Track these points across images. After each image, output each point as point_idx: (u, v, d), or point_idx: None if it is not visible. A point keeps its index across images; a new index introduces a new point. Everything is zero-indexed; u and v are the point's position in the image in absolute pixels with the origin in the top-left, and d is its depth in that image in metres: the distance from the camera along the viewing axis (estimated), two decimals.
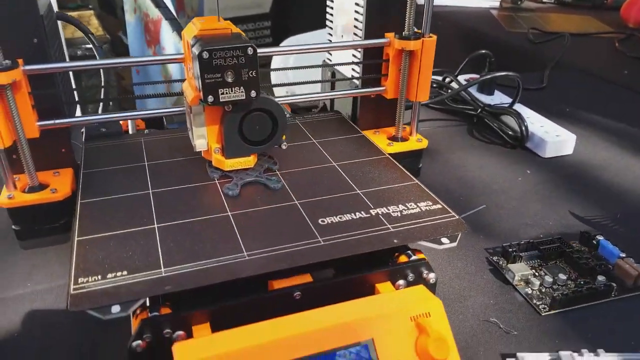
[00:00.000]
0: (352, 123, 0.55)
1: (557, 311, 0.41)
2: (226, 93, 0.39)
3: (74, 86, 0.57)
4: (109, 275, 0.32)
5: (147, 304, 0.31)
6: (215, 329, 0.30)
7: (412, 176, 0.44)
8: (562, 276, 0.43)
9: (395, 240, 0.36)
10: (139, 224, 0.37)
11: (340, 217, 0.38)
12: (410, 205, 0.40)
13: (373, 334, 0.29)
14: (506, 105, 0.74)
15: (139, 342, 0.29)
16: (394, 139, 0.55)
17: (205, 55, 0.38)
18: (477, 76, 0.79)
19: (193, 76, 0.41)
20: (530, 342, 0.38)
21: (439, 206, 0.40)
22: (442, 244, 0.36)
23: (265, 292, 0.33)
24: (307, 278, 0.34)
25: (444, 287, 0.43)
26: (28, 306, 0.40)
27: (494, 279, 0.44)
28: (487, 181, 0.60)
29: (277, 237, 0.36)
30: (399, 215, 0.39)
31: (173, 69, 1.61)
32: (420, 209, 0.39)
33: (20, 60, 0.40)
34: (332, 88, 0.60)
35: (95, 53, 0.57)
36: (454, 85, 0.78)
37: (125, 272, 0.32)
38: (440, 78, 0.80)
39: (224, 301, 0.32)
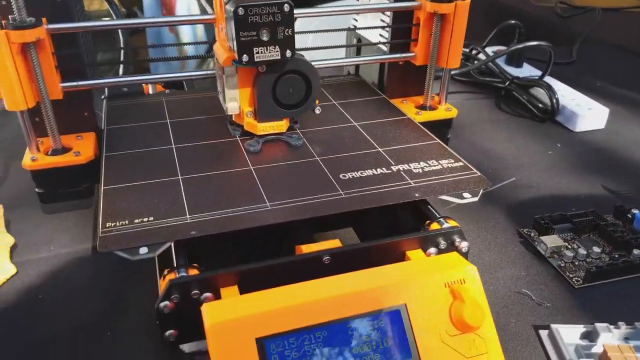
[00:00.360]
0: (372, 86, 0.55)
1: (591, 284, 0.39)
2: (261, 52, 0.38)
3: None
4: (136, 220, 0.33)
5: (175, 264, 0.31)
6: (243, 291, 0.30)
7: (433, 135, 0.44)
8: (596, 249, 0.42)
9: (416, 194, 0.36)
10: (163, 175, 0.38)
11: (361, 173, 0.38)
12: (432, 163, 0.40)
13: (406, 299, 0.28)
14: (536, 77, 0.71)
15: (167, 302, 0.29)
16: (422, 107, 0.54)
17: (241, 11, 0.37)
18: (505, 48, 0.77)
19: (225, 36, 0.40)
20: (563, 314, 0.37)
21: (460, 164, 0.40)
22: (463, 198, 0.36)
23: (294, 255, 0.32)
24: (336, 243, 0.33)
25: (473, 258, 0.42)
26: (51, 269, 0.40)
27: (525, 251, 0.43)
28: (516, 154, 0.58)
29: (299, 190, 0.36)
30: (421, 171, 0.39)
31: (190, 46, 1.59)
32: (442, 165, 0.40)
33: (44, 19, 0.39)
34: (358, 54, 0.58)
35: (113, 14, 0.55)
36: (481, 57, 0.76)
37: (152, 218, 0.33)
38: (467, 50, 0.78)
39: (253, 263, 0.31)
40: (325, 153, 0.41)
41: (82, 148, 0.44)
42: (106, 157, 0.40)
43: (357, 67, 0.59)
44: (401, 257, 0.34)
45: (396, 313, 0.28)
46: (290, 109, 0.42)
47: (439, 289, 0.29)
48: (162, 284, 0.30)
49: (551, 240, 0.43)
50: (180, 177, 0.38)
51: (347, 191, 0.36)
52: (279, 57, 0.38)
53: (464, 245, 0.35)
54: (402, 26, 0.51)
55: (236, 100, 0.41)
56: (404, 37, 0.52)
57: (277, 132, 0.43)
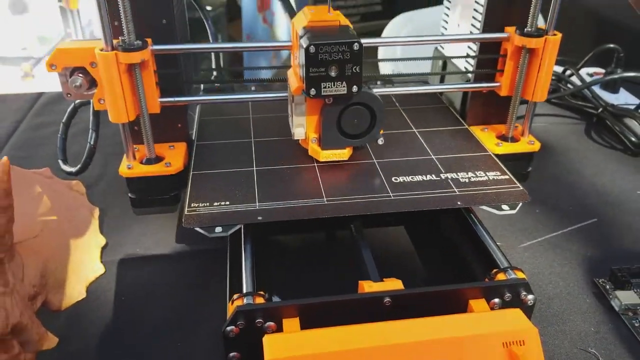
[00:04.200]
0: (438, 96, 0.58)
1: None
2: (328, 87, 0.40)
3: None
4: (215, 203, 0.39)
5: (244, 290, 0.33)
6: (303, 323, 0.31)
7: (485, 147, 0.48)
8: None
9: (458, 202, 0.39)
10: (241, 165, 0.44)
11: (412, 178, 0.42)
12: (479, 174, 0.43)
13: (462, 355, 0.29)
14: (632, 107, 0.67)
15: (233, 327, 0.31)
16: (503, 138, 0.52)
17: (312, 49, 0.38)
18: (602, 70, 0.73)
19: (298, 65, 0.41)
20: None
21: (506, 177, 0.43)
22: (502, 210, 0.39)
23: (356, 294, 0.33)
24: (398, 284, 0.34)
25: (541, 306, 0.41)
26: (135, 272, 0.44)
27: (597, 304, 0.42)
28: (601, 191, 0.56)
29: (353, 189, 0.41)
30: (467, 181, 0.42)
31: (282, 37, 1.63)
32: (488, 177, 0.43)
33: (149, 40, 0.43)
34: (442, 79, 0.58)
35: (210, 34, 0.58)
36: (574, 79, 0.72)
37: (227, 202, 0.39)
38: (560, 69, 0.74)
39: (314, 298, 0.33)
40: (382, 156, 0.45)
41: (173, 159, 0.47)
42: (197, 146, 0.47)
43: (440, 93, 0.59)
44: (464, 305, 0.34)
45: None
46: (354, 138, 0.44)
47: (497, 348, 0.29)
48: (230, 309, 0.32)
49: (626, 296, 0.41)
50: (255, 169, 0.43)
51: (396, 193, 0.40)
52: (345, 92, 0.40)
53: (530, 298, 0.34)
54: (489, 57, 0.50)
55: (303, 127, 0.43)
56: (489, 66, 0.51)
57: (339, 159, 0.44)
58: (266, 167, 0.44)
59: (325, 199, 0.40)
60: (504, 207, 0.39)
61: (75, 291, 0.40)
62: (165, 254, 0.46)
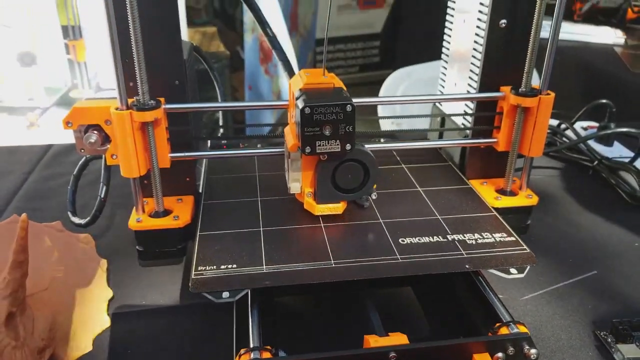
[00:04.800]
0: (438, 151, 0.58)
1: None
2: (323, 145, 0.41)
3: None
4: (222, 267, 0.39)
5: (251, 345, 0.34)
6: None
7: (490, 207, 0.48)
8: None
9: (467, 266, 0.39)
10: (248, 226, 0.44)
11: (419, 239, 0.42)
12: (486, 235, 0.43)
13: None
14: (626, 159, 0.69)
15: None
16: (502, 191, 0.54)
17: (307, 110, 0.40)
18: (596, 124, 0.75)
19: (295, 123, 0.43)
20: None
21: (512, 238, 0.42)
22: (510, 273, 0.40)
23: (362, 349, 0.34)
24: (403, 339, 0.35)
25: (544, 359, 0.42)
26: (141, 325, 0.45)
27: (600, 358, 0.42)
28: (601, 243, 0.57)
29: (361, 251, 0.41)
30: (474, 243, 0.42)
31: (283, 87, 1.68)
32: (495, 239, 0.42)
33: (162, 99, 0.45)
34: (440, 135, 0.60)
35: (217, 90, 0.61)
36: (569, 132, 0.75)
37: (234, 265, 0.39)
38: (555, 123, 0.77)
39: (321, 353, 0.33)
40: (388, 216, 0.45)
41: (181, 212, 0.48)
42: (203, 205, 0.47)
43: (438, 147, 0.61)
44: (468, 359, 0.34)
45: None
46: (348, 193, 0.45)
47: None
48: None
49: (629, 350, 0.41)
50: (261, 229, 0.44)
51: (404, 256, 0.40)
52: (339, 150, 0.42)
53: (532, 352, 0.35)
54: (486, 114, 0.53)
55: (299, 181, 0.45)
56: (486, 123, 0.53)
57: (333, 213, 0.45)
58: (273, 227, 0.44)
59: (332, 261, 0.39)
60: (512, 270, 0.40)
61: (82, 344, 0.41)
62: (171, 305, 0.46)
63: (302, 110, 0.40)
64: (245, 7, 0.49)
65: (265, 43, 1.58)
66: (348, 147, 0.42)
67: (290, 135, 0.45)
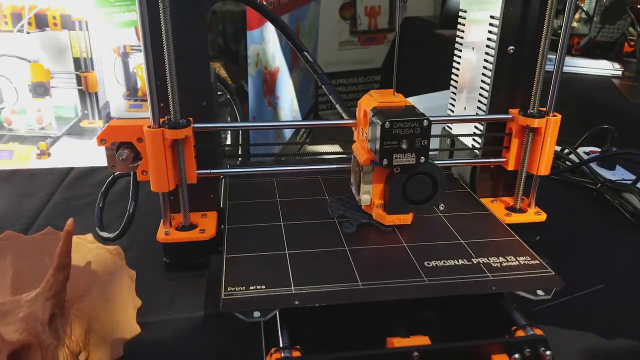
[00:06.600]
0: (457, 179, 0.60)
1: None
2: (399, 158, 0.44)
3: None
4: (251, 287, 0.40)
5: (281, 344, 0.36)
6: None
7: (513, 232, 0.48)
8: None
9: (493, 287, 0.40)
10: (273, 249, 0.45)
11: (444, 262, 0.44)
12: (510, 258, 0.44)
13: None
14: (628, 182, 0.72)
15: None
16: (512, 209, 0.56)
17: (387, 125, 0.43)
18: (598, 149, 0.78)
19: (365, 139, 0.46)
20: None
21: (537, 262, 0.44)
22: (537, 295, 0.40)
23: (386, 349, 0.36)
24: (425, 340, 0.36)
25: None
26: (168, 334, 0.46)
27: None
28: (606, 261, 0.59)
29: (387, 273, 0.42)
30: (499, 266, 0.43)
31: (284, 118, 1.72)
32: (519, 262, 0.44)
33: (191, 119, 0.48)
34: (450, 155, 0.63)
35: (237, 112, 0.64)
36: (573, 157, 0.77)
37: (264, 286, 0.40)
38: (558, 148, 0.80)
39: (347, 352, 0.35)
40: (411, 240, 0.47)
41: (206, 226, 0.51)
42: (228, 229, 0.49)
43: (449, 167, 0.64)
44: (486, 359, 0.36)
45: None
46: (417, 205, 0.47)
47: None
48: None
49: None
50: (287, 252, 0.45)
51: (430, 278, 0.41)
52: (414, 162, 0.44)
53: (548, 354, 0.37)
54: (495, 135, 0.55)
55: (369, 194, 0.47)
56: (496, 143, 0.56)
57: (402, 223, 0.48)
58: (298, 250, 0.45)
59: (360, 282, 0.40)
60: (539, 292, 0.40)
61: (114, 350, 0.42)
62: (197, 316, 0.48)
63: (382, 125, 0.43)
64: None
65: (268, 75, 1.64)
66: (422, 159, 0.44)
67: (362, 151, 0.47)
